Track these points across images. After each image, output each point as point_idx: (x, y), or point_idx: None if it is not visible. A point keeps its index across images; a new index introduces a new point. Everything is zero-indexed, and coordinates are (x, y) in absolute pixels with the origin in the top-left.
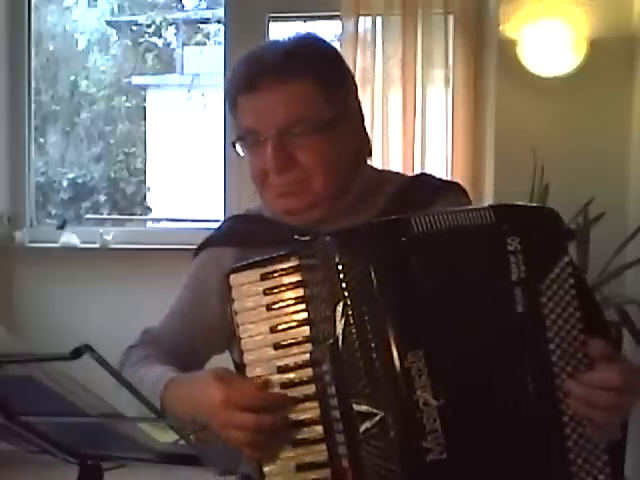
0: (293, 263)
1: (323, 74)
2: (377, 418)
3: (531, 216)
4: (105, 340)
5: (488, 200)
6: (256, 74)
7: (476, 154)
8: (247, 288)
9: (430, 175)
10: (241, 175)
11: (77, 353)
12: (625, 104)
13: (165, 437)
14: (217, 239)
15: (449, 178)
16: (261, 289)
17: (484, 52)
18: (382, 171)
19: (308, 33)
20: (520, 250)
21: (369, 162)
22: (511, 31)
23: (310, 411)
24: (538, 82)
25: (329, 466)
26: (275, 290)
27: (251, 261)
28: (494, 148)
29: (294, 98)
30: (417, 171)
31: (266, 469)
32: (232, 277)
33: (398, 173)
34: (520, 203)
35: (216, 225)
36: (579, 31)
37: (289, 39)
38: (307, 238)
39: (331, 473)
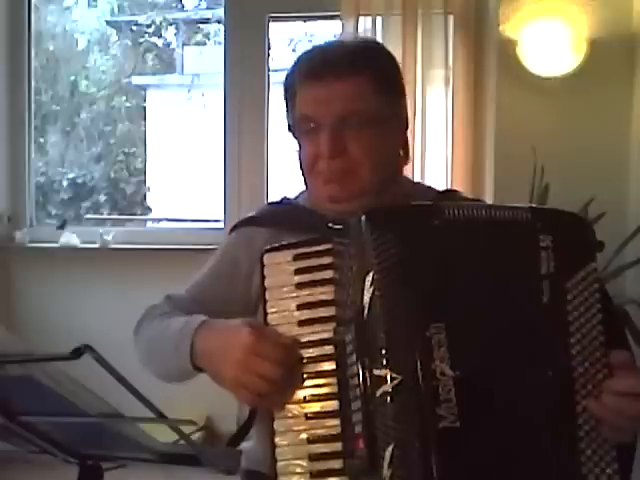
0: (325, 247)
1: (381, 76)
2: (395, 382)
3: (565, 220)
4: (105, 340)
5: (488, 201)
6: (322, 65)
7: (476, 154)
8: (279, 267)
9: (458, 191)
10: (241, 175)
11: (77, 353)
12: (625, 104)
13: (165, 437)
14: (252, 220)
15: (449, 178)
16: (292, 269)
17: (484, 52)
18: (416, 183)
19: (372, 38)
20: (551, 248)
21: (405, 170)
22: (511, 31)
23: (327, 386)
24: (538, 82)
25: (340, 439)
26: (306, 271)
27: (285, 242)
28: (494, 148)
29: (354, 92)
30: (417, 171)
31: (277, 439)
32: (266, 256)
33: (430, 187)
34: (557, 208)
35: (216, 225)
36: (579, 31)
37: (353, 40)
38: (340, 227)
39: (342, 445)
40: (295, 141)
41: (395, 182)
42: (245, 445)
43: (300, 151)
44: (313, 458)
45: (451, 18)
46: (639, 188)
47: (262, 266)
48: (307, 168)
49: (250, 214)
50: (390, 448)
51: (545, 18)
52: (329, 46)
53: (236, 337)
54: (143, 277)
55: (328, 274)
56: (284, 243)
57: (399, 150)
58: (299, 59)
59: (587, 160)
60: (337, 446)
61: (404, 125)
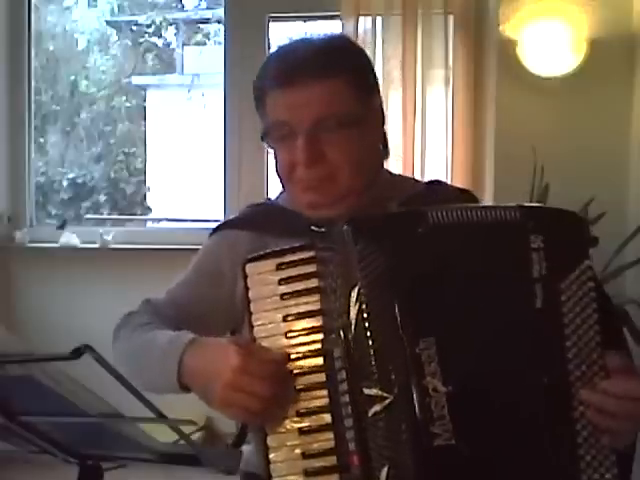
0: (309, 254)
1: (355, 74)
2: (386, 402)
3: (557, 218)
4: (105, 340)
5: (488, 200)
6: (292, 70)
7: (476, 154)
8: (262, 277)
9: (443, 182)
10: (241, 175)
11: (77, 353)
12: (625, 104)
13: (165, 437)
14: (234, 222)
15: (449, 178)
16: (276, 279)
17: (484, 52)
18: (397, 175)
19: (339, 33)
20: (543, 248)
21: (385, 164)
22: (511, 31)
23: (318, 399)
24: (538, 82)
25: (335, 453)
26: (290, 280)
27: (267, 251)
28: (494, 148)
29: (328, 95)
30: (417, 171)
31: (272, 456)
32: (248, 266)
33: (413, 179)
34: (548, 205)
35: (216, 225)
36: (579, 31)
37: (321, 38)
38: (323, 229)
39: (337, 459)
40: (270, 147)
41: (376, 180)
42: (245, 447)
43: (276, 158)
44: (309, 473)
45: (451, 18)
46: (639, 188)
47: (245, 277)
48: (284, 176)
49: (232, 216)
50: (385, 469)
51: (545, 18)
52: (298, 47)
53: (224, 357)
54: (143, 277)
55: (313, 283)
56: (266, 252)
57: (379, 147)
58: (267, 62)
59: (587, 160)
60: (332, 460)
61: (381, 121)
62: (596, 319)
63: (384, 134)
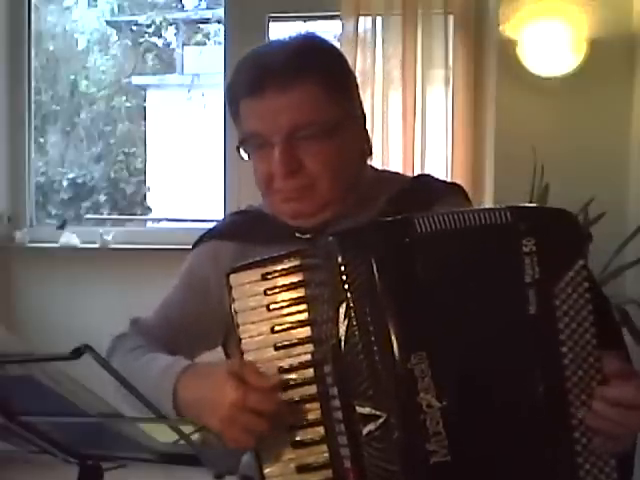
0: (294, 263)
1: (329, 76)
2: (380, 420)
3: (549, 218)
4: (105, 340)
5: (488, 200)
6: (262, 77)
7: (476, 154)
8: (248, 288)
9: (430, 176)
10: (241, 175)
11: (77, 353)
12: (625, 104)
13: (165, 437)
14: (217, 233)
15: (449, 178)
16: (262, 289)
17: (484, 52)
18: (382, 171)
19: (310, 33)
20: (535, 251)
21: (369, 162)
22: (511, 31)
23: (311, 412)
24: (538, 82)
25: (330, 467)
26: (276, 290)
27: (252, 261)
28: (494, 148)
29: (302, 102)
30: (417, 171)
31: (267, 470)
32: (232, 277)
33: (398, 173)
34: (539, 205)
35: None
36: (579, 31)
37: (292, 40)
38: (308, 236)
39: (332, 474)
40: (247, 156)
41: (360, 180)
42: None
43: (255, 169)
44: None
45: (451, 18)
46: (639, 188)
47: (229, 288)
48: (263, 187)
49: (214, 226)
50: None
51: (545, 18)
52: (268, 51)
53: (221, 391)
54: (143, 277)
55: (300, 292)
56: (250, 261)
57: (362, 148)
58: (238, 68)
59: (587, 160)
60: (328, 474)
61: (362, 121)
62: (592, 321)
63: (366, 133)
